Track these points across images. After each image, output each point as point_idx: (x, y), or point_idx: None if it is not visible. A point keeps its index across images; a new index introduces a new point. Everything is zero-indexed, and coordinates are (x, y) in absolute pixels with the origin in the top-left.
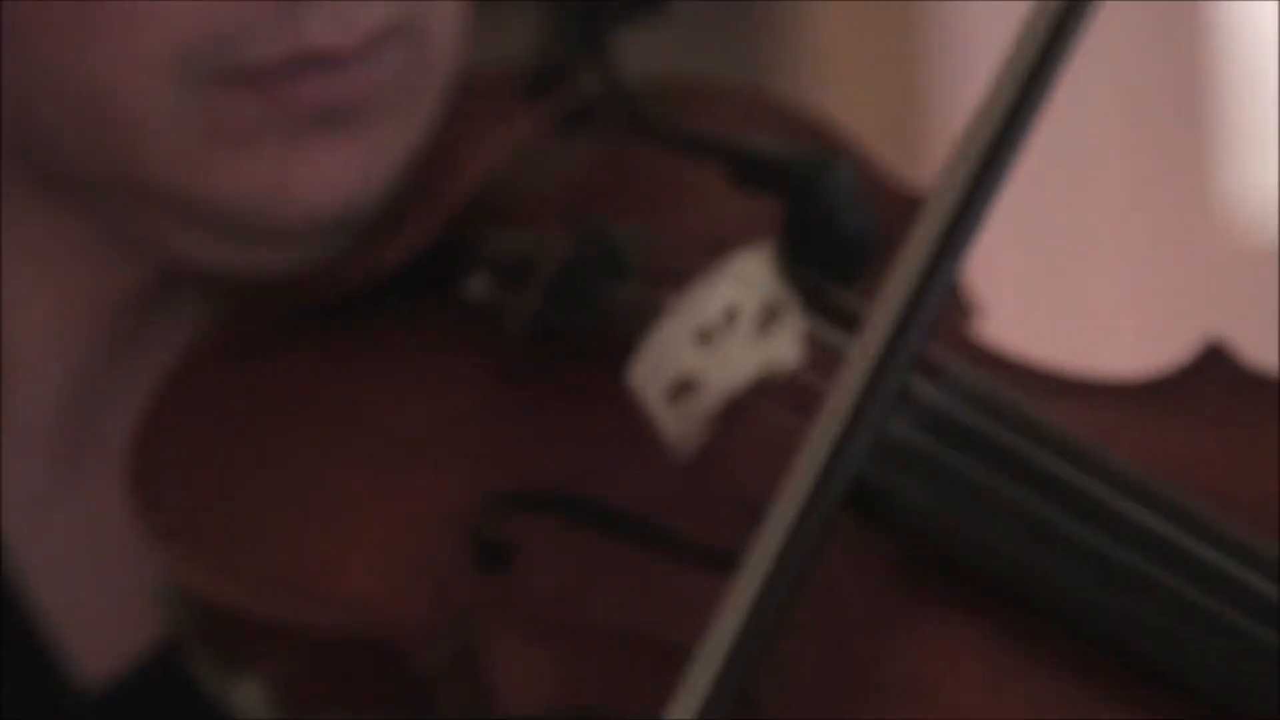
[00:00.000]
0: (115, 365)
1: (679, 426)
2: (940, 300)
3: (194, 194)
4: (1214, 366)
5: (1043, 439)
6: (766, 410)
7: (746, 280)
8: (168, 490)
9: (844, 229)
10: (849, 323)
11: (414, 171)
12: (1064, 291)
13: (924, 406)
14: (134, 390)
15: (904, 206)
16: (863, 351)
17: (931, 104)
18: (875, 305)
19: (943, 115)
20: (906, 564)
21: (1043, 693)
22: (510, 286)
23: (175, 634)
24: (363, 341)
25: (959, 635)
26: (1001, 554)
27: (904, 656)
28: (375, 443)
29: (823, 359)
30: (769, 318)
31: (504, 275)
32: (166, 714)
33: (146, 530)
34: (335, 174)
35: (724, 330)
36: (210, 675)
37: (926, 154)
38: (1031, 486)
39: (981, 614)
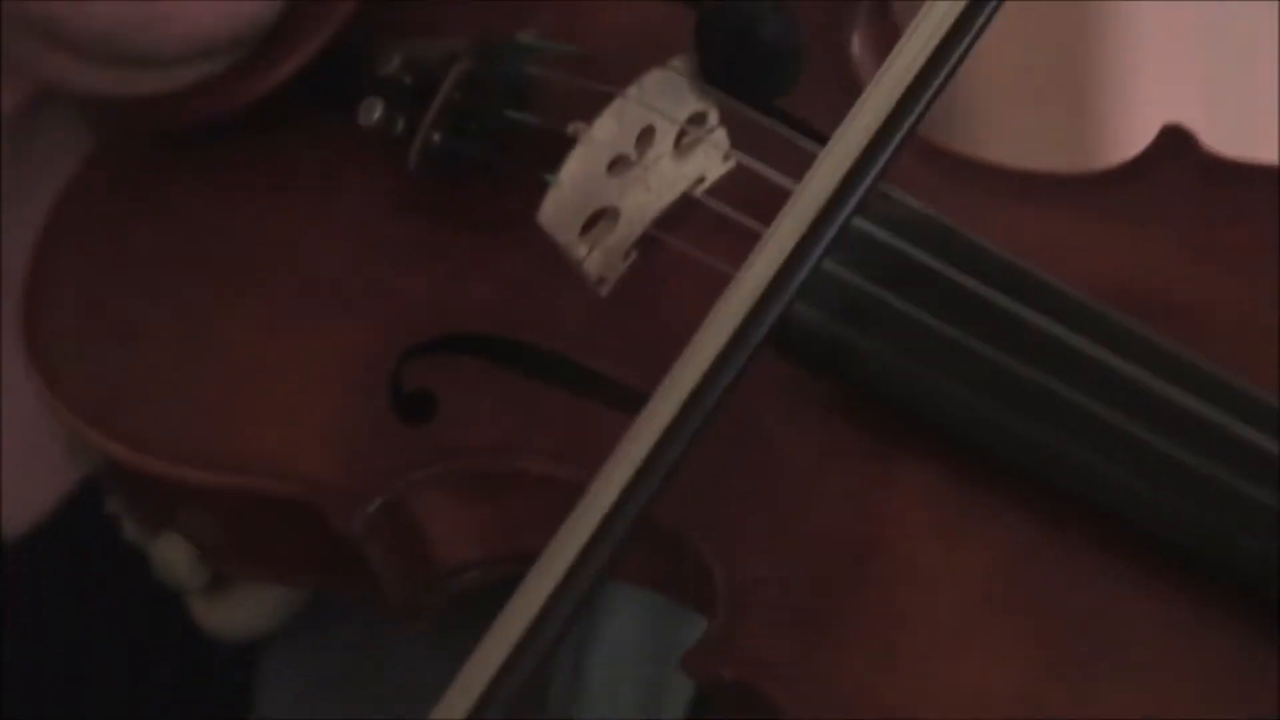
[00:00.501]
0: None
1: (598, 260)
2: (906, 143)
3: (70, 22)
4: (1172, 151)
5: (989, 270)
6: (691, 236)
7: (659, 101)
8: (61, 354)
9: (759, 39)
10: (779, 136)
11: None
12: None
13: (864, 243)
14: (25, 225)
15: None
16: (812, 187)
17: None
18: (834, 138)
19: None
20: (858, 410)
21: (1001, 542)
22: (406, 111)
23: (93, 479)
24: (259, 170)
25: (913, 482)
26: (949, 398)
27: (859, 506)
28: (277, 285)
29: (750, 178)
30: (688, 137)
31: (399, 99)
32: (86, 559)
33: (45, 397)
34: None
35: (638, 156)
36: (129, 525)
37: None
38: (977, 324)
39: (936, 460)
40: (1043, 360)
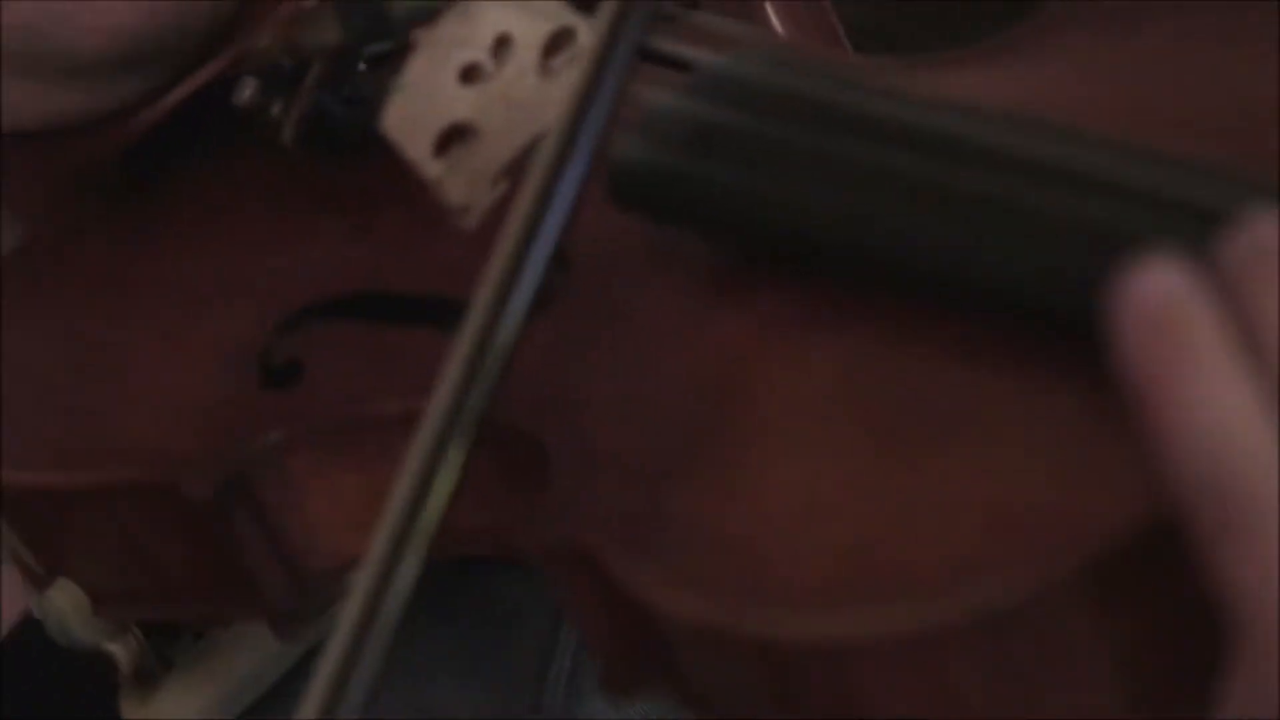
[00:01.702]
0: None
1: (460, 186)
2: None
3: None
4: None
5: (819, 72)
6: None
7: (518, 6)
8: None
9: None
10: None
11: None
12: None
13: (703, 74)
14: None
15: None
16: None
17: None
18: None
19: None
20: (712, 262)
21: (841, 351)
22: (283, 94)
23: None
24: (150, 201)
25: (760, 314)
26: (791, 200)
27: (710, 353)
28: (159, 301)
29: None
30: (557, 49)
31: (276, 82)
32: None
33: None
34: None
35: (496, 67)
36: (34, 601)
37: None
38: (814, 123)
39: (782, 288)
40: (868, 135)
